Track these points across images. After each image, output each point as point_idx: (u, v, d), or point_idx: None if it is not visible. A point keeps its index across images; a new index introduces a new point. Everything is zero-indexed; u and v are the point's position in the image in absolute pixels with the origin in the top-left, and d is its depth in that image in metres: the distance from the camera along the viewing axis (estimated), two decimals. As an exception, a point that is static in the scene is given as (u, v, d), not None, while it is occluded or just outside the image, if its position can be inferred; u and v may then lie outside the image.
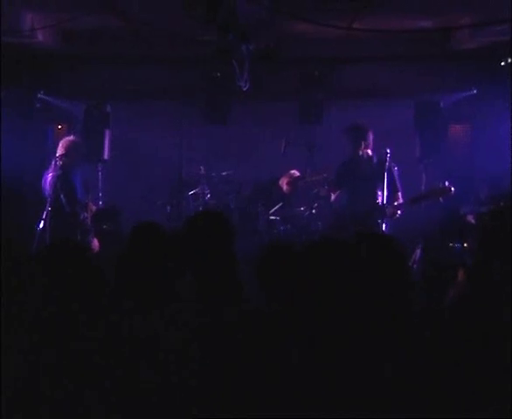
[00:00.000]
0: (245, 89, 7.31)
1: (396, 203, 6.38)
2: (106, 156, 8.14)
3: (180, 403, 2.03)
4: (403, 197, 6.50)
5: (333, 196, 6.80)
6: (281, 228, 7.49)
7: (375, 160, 6.59)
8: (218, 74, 8.25)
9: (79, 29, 7.55)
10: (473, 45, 7.75)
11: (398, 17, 7.18)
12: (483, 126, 8.12)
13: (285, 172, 7.62)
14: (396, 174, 6.48)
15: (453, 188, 6.24)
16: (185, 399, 2.03)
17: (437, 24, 7.52)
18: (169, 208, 7.61)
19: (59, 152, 6.55)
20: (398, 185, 6.49)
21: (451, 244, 7.08)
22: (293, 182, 7.48)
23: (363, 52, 8.20)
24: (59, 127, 8.79)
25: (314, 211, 7.31)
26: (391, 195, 6.36)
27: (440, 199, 6.38)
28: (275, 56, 7.22)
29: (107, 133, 8.18)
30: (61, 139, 7.02)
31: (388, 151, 6.25)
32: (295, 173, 7.55)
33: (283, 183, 7.57)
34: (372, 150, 6.63)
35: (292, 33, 7.64)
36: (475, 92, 8.22)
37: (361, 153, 6.57)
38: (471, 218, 7.09)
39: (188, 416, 2.00)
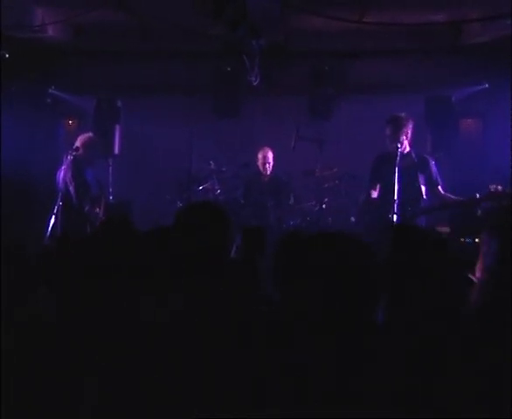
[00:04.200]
0: (255, 84, 7.32)
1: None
2: (116, 151, 8.17)
3: (180, 403, 2.02)
4: (444, 190, 6.20)
5: (375, 193, 6.24)
6: (291, 223, 7.48)
7: (413, 153, 6.22)
8: (229, 69, 8.25)
9: (89, 24, 7.56)
10: (484, 39, 7.68)
11: (409, 10, 7.13)
12: (495, 120, 8.06)
13: (294, 166, 7.63)
14: (434, 168, 6.22)
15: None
16: (185, 399, 2.01)
17: (448, 18, 7.47)
18: (178, 203, 7.60)
19: (75, 146, 6.62)
20: (439, 179, 6.20)
21: (462, 239, 7.01)
22: (264, 158, 7.61)
23: (373, 47, 8.16)
24: (70, 122, 8.82)
25: (324, 206, 7.31)
26: (432, 190, 6.15)
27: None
28: (285, 51, 7.21)
29: (118, 128, 8.21)
30: (72, 134, 7.05)
31: None
32: (266, 149, 7.65)
33: (260, 165, 7.64)
34: (410, 143, 6.25)
35: (302, 27, 7.61)
36: (487, 86, 8.15)
37: (399, 146, 5.99)
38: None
39: (188, 416, 1.99)
